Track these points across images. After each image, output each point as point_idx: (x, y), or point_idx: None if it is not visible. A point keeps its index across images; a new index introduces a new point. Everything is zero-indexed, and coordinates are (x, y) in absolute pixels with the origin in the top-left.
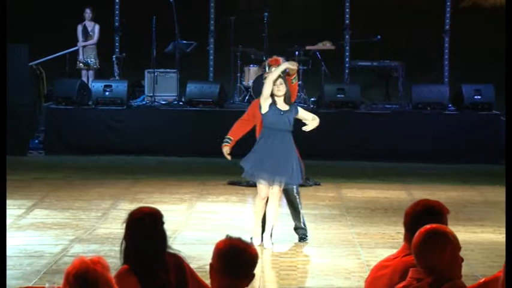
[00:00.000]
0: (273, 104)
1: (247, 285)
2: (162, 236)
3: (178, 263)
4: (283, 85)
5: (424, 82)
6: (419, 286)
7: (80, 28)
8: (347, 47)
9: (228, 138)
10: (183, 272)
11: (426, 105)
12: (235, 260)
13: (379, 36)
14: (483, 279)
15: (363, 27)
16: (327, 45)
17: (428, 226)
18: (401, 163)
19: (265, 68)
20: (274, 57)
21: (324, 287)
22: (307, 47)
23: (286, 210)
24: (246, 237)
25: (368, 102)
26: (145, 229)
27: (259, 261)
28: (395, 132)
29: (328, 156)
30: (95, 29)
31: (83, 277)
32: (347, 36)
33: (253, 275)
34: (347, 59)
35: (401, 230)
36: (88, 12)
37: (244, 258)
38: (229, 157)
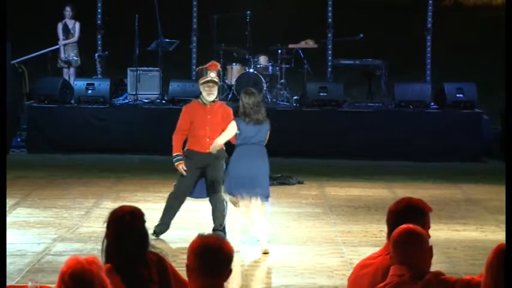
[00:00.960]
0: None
1: (225, 281)
2: (143, 234)
3: (161, 261)
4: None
5: (406, 80)
6: (401, 281)
7: (60, 26)
8: (330, 46)
9: (178, 156)
10: (165, 270)
11: (409, 103)
12: (211, 259)
13: (361, 35)
14: (469, 277)
15: (345, 25)
16: (310, 43)
17: (405, 226)
18: (384, 161)
19: (203, 73)
20: (213, 62)
21: (307, 285)
22: (290, 46)
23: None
24: (230, 236)
25: (351, 100)
26: (126, 227)
27: (237, 259)
28: (378, 130)
29: (311, 155)
30: (75, 26)
31: (79, 277)
32: (330, 35)
33: (230, 271)
34: (330, 58)
35: (384, 228)
36: (68, 10)
37: (219, 256)
38: (185, 173)
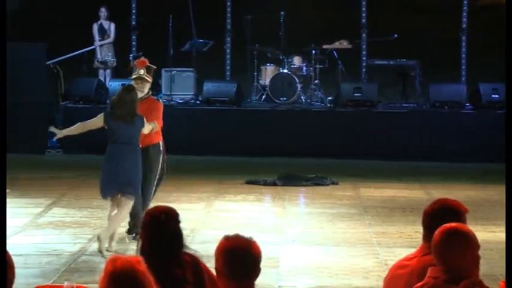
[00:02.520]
0: None
1: (255, 281)
2: (178, 234)
3: (195, 262)
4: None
5: (441, 81)
6: (435, 284)
7: (95, 27)
8: (364, 46)
9: None
10: (200, 271)
11: (443, 104)
12: (239, 262)
13: (396, 35)
14: (502, 281)
15: (379, 25)
16: (344, 44)
17: (448, 225)
18: (419, 162)
19: (132, 70)
20: (142, 58)
21: (342, 286)
22: (324, 46)
23: (309, 210)
24: (264, 237)
25: (385, 101)
26: (161, 227)
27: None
28: (413, 131)
29: (346, 155)
30: (110, 27)
31: (128, 276)
32: (364, 35)
33: (259, 270)
34: (364, 58)
35: (420, 229)
36: (103, 11)
37: (247, 258)
38: None
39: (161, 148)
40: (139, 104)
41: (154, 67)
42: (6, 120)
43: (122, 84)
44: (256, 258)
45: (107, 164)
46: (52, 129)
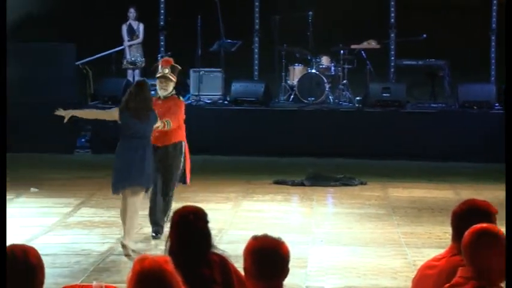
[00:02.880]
0: None
1: (283, 281)
2: (206, 234)
3: (223, 262)
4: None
5: (470, 81)
6: (464, 284)
7: (124, 28)
8: (392, 46)
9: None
10: (228, 271)
11: (472, 104)
12: (267, 262)
13: (424, 35)
14: None
15: (408, 25)
16: (372, 44)
17: (478, 226)
18: (447, 162)
19: (157, 69)
20: (166, 58)
21: (370, 286)
22: (352, 46)
23: (338, 210)
24: (292, 237)
25: (414, 101)
26: (189, 227)
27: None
28: (442, 131)
29: (374, 156)
30: (139, 28)
31: (156, 276)
32: (392, 35)
33: (288, 271)
34: (392, 58)
35: (449, 230)
36: (132, 12)
37: (275, 258)
38: None
39: (183, 148)
40: (163, 102)
41: (179, 67)
42: (6, 120)
43: (151, 85)
44: (284, 258)
45: (118, 159)
46: (58, 111)
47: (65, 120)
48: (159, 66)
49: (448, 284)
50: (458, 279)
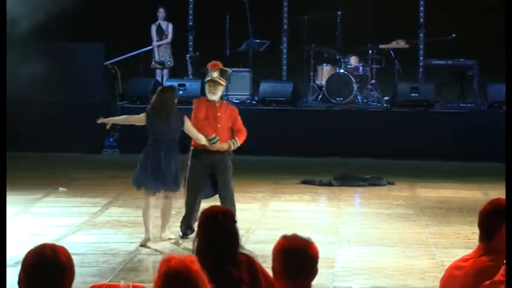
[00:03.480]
0: None
1: (312, 281)
2: (233, 234)
3: (251, 262)
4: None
5: (499, 81)
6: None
7: (154, 28)
8: (421, 46)
9: (214, 137)
10: (255, 271)
11: (502, 104)
12: (296, 261)
13: (453, 35)
14: None
15: (437, 25)
16: (401, 43)
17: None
18: (476, 162)
19: (207, 72)
20: (214, 61)
21: (398, 286)
22: (381, 46)
23: (365, 210)
24: (320, 237)
25: (442, 101)
26: (217, 227)
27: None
28: (471, 131)
29: (402, 156)
30: (168, 28)
31: (183, 276)
32: (421, 35)
33: (316, 271)
34: (421, 58)
35: (477, 230)
36: (161, 12)
37: (304, 257)
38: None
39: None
40: (219, 106)
41: (229, 70)
42: (6, 120)
43: (179, 85)
44: (313, 258)
45: (146, 159)
46: (101, 120)
47: (108, 127)
48: (208, 70)
49: (488, 281)
50: (500, 276)
